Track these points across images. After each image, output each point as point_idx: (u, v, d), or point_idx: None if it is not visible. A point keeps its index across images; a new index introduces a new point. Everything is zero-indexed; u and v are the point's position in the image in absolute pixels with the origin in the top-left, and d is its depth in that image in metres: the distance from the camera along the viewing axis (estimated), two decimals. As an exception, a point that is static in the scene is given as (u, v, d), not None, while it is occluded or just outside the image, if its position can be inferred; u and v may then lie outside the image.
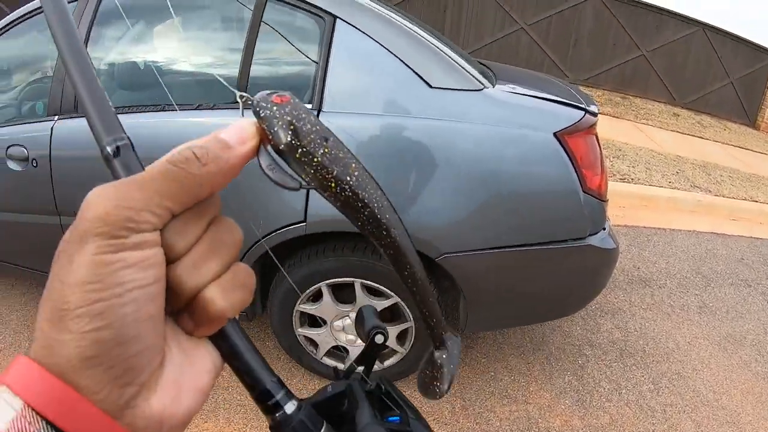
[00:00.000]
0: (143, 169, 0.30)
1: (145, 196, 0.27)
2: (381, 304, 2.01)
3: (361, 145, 1.79)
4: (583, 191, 1.87)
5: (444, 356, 0.48)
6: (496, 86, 1.95)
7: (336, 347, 2.14)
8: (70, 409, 0.24)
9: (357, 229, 0.36)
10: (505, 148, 1.80)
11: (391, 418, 0.41)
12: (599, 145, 2.03)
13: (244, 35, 1.95)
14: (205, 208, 0.30)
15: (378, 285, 1.95)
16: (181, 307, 0.30)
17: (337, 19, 1.87)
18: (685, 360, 2.80)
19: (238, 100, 0.34)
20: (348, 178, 0.33)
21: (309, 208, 1.81)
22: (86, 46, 1.75)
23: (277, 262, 1.94)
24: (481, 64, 2.37)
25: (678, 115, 9.72)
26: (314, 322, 2.16)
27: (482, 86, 1.86)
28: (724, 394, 2.58)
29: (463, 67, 1.88)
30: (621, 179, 5.22)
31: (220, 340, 0.32)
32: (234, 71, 1.95)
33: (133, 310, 0.26)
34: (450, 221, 1.81)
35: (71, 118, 2.09)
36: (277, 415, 0.33)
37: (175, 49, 2.29)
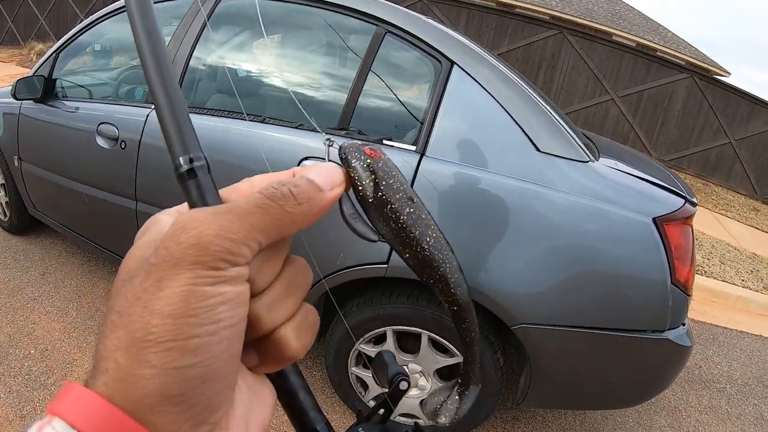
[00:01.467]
0: (218, 194, 0.30)
1: (244, 228, 0.26)
2: (444, 361, 1.96)
3: (458, 197, 1.77)
4: (671, 282, 1.79)
5: (465, 393, 0.49)
6: (600, 160, 1.90)
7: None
8: None
9: (425, 283, 0.36)
10: (602, 226, 1.75)
11: None
12: (693, 237, 1.95)
13: (358, 65, 1.98)
14: (282, 245, 0.30)
15: (446, 341, 1.90)
16: (247, 344, 0.28)
17: (455, 65, 1.87)
18: (735, 474, 2.62)
19: (324, 143, 0.34)
20: (427, 239, 0.34)
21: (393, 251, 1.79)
22: (196, 45, 1.80)
23: (336, 305, 1.93)
24: (584, 135, 2.33)
25: (758, 210, 9.31)
26: (370, 364, 2.13)
27: (588, 159, 1.82)
28: None
29: (571, 136, 1.85)
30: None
31: (280, 379, 0.32)
32: (341, 95, 1.98)
33: (224, 348, 0.24)
34: (532, 291, 1.76)
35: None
36: None
37: (281, 66, 2.35)
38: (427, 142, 1.81)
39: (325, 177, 0.30)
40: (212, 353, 0.24)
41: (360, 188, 0.32)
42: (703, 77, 10.35)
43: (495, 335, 1.91)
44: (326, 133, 0.37)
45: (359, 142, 0.33)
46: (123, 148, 2.22)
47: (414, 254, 0.34)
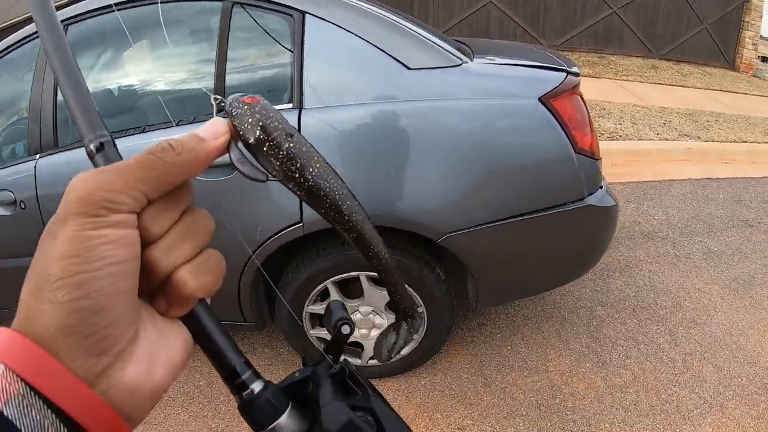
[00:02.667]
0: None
1: (123, 181, 0.29)
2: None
3: (347, 136, 1.77)
4: (576, 152, 1.86)
5: (403, 328, 0.53)
6: (475, 60, 1.93)
7: (351, 344, 2.13)
8: (47, 373, 0.26)
9: (321, 218, 0.39)
10: (492, 119, 1.79)
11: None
12: (585, 104, 2.02)
13: (215, 45, 1.93)
14: (179, 197, 0.32)
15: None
16: (155, 289, 0.32)
17: (306, 14, 1.85)
18: (698, 307, 2.81)
19: (212, 102, 0.37)
20: (310, 169, 0.36)
21: (304, 208, 1.80)
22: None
23: (267, 276, 1.93)
24: (457, 41, 2.35)
25: (657, 68, 9.71)
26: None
27: (460, 61, 1.84)
28: (741, 335, 2.59)
29: (438, 45, 1.86)
30: (609, 137, 5.21)
31: (192, 322, 0.34)
32: (209, 83, 1.93)
33: (109, 283, 0.27)
34: (447, 201, 1.80)
35: (52, 154, 2.06)
36: (244, 394, 0.35)
37: (148, 70, 2.26)
38: (301, 96, 1.79)
39: (208, 128, 0.34)
40: (98, 287, 0.27)
41: (241, 133, 0.34)
42: (572, -43, 10.55)
43: (428, 254, 1.95)
44: (214, 96, 0.39)
45: (239, 94, 0.36)
46: (23, 208, 2.12)
47: (300, 185, 0.36)
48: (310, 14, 1.85)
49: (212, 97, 0.38)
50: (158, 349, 0.31)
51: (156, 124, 1.98)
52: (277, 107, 1.79)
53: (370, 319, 2.06)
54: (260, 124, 0.35)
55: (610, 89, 7.32)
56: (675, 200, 4.27)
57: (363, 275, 1.94)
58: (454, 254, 1.87)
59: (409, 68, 1.78)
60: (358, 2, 1.96)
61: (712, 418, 2.10)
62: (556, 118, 1.82)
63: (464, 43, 2.31)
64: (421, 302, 2.00)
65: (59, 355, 0.27)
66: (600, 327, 2.61)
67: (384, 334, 0.54)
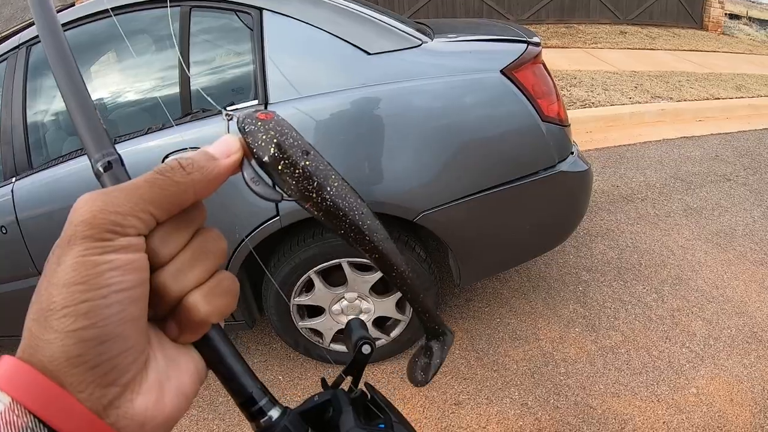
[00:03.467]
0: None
1: (130, 202, 0.28)
2: (372, 278, 2.02)
3: (316, 126, 1.78)
4: (543, 120, 1.88)
5: (435, 347, 0.50)
6: (435, 39, 1.95)
7: (340, 331, 2.16)
8: (55, 404, 0.25)
9: (341, 239, 0.37)
10: (457, 96, 1.81)
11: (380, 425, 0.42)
12: (549, 72, 2.04)
13: (176, 51, 1.93)
14: (191, 218, 0.31)
15: (364, 260, 1.96)
16: (165, 314, 0.30)
17: (263, 11, 1.85)
18: (682, 264, 2.85)
19: (223, 117, 0.36)
20: (328, 188, 0.35)
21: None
22: (26, 102, 1.71)
23: (259, 261, 1.94)
24: (417, 22, 2.36)
25: (625, 33, 9.76)
26: (313, 312, 2.17)
27: (420, 42, 1.86)
28: (727, 287, 2.64)
29: (396, 28, 1.88)
30: (582, 105, 5.25)
31: (204, 347, 0.33)
32: (175, 89, 1.94)
33: (116, 311, 0.26)
34: (420, 180, 1.82)
35: (28, 175, 2.05)
36: (261, 421, 0.34)
37: (116, 81, 2.26)
38: (266, 91, 1.80)
39: (220, 146, 0.32)
40: (104, 315, 0.26)
41: (254, 150, 0.33)
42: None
43: (407, 234, 1.98)
44: (225, 110, 0.38)
45: (253, 110, 0.34)
46: (5, 233, 2.11)
47: (318, 205, 0.35)
48: (267, 10, 1.85)
49: (223, 112, 0.37)
50: (168, 377, 0.30)
51: (125, 134, 1.98)
52: (243, 105, 1.81)
53: (357, 305, 2.08)
54: (275, 141, 0.33)
55: (580, 58, 7.36)
56: (652, 161, 4.32)
57: (344, 262, 1.95)
58: (432, 232, 1.89)
59: (369, 53, 1.79)
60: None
61: (705, 371, 2.15)
62: (519, 89, 1.84)
63: (425, 24, 2.32)
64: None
65: (66, 386, 0.25)
66: (586, 291, 2.66)
67: (416, 357, 0.52)
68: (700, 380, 2.11)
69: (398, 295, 2.08)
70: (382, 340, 2.19)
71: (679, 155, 4.44)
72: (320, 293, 2.05)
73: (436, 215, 1.84)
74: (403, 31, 1.88)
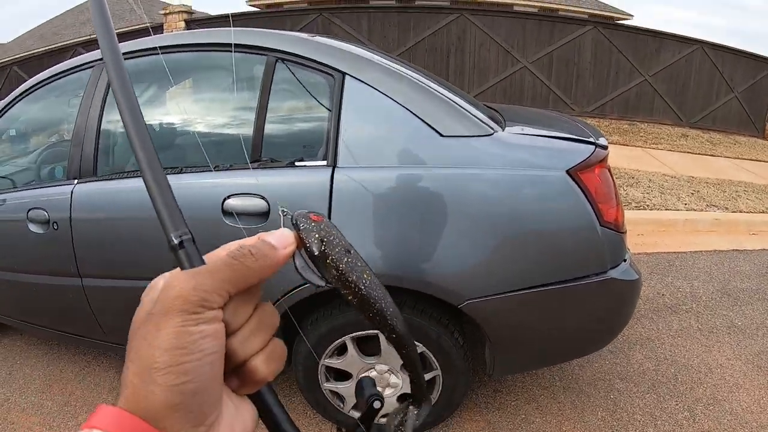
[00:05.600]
0: (202, 260, 0.38)
1: (214, 282, 0.35)
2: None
3: (377, 198, 1.82)
4: (601, 225, 1.87)
5: (415, 413, 0.59)
6: (506, 129, 1.98)
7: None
8: None
9: (368, 320, 0.45)
10: (520, 190, 1.82)
11: None
12: (612, 177, 2.04)
13: (257, 96, 2.01)
14: (253, 293, 0.38)
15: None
16: (228, 371, 0.37)
17: (346, 76, 1.93)
18: (719, 383, 2.73)
19: (279, 213, 0.43)
20: (363, 281, 0.42)
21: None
22: (103, 111, 1.80)
23: (296, 324, 1.95)
24: (488, 107, 2.41)
25: (687, 136, 9.72)
26: (340, 375, 2.15)
27: (492, 131, 1.89)
28: (762, 413, 2.50)
29: (471, 113, 1.92)
30: (636, 207, 5.20)
31: (258, 399, 0.40)
32: (248, 131, 2.01)
33: (208, 370, 0.34)
34: (470, 267, 1.82)
35: (90, 182, 2.15)
36: None
37: (188, 111, 2.36)
38: (335, 154, 1.86)
39: (279, 238, 0.40)
40: (200, 373, 0.33)
41: (307, 245, 0.40)
42: (606, 25, 10.78)
43: (449, 318, 1.96)
44: (281, 207, 0.47)
45: (306, 211, 0.43)
46: (56, 229, 2.20)
47: (354, 294, 0.42)
48: (350, 75, 1.93)
49: (280, 209, 0.44)
50: (236, 419, 0.37)
51: (193, 166, 2.05)
52: (312, 163, 1.87)
53: (385, 377, 2.06)
54: (324, 240, 0.41)
55: (639, 157, 7.34)
56: (701, 272, 4.20)
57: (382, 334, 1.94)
58: (473, 320, 1.87)
59: (441, 135, 1.83)
60: (397, 66, 2.04)
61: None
62: (582, 191, 1.84)
63: (496, 110, 2.37)
64: (438, 365, 2.00)
65: (165, 428, 0.32)
66: (617, 401, 2.56)
67: (392, 416, 0.59)
68: None
69: (428, 375, 2.05)
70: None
71: (729, 268, 4.32)
72: (352, 359, 2.03)
73: (482, 304, 1.82)
74: (477, 117, 1.92)
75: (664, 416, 2.46)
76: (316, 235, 0.41)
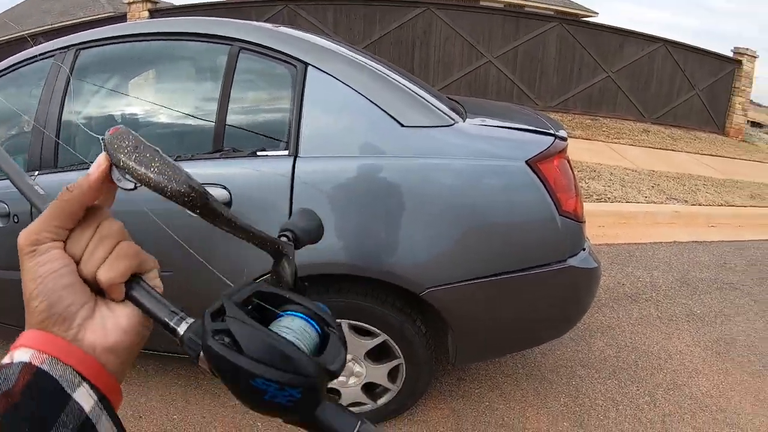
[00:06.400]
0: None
1: (41, 224, 0.43)
2: (370, 343, 2.01)
3: (338, 187, 1.82)
4: (560, 215, 1.90)
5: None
6: (467, 120, 2.00)
7: (328, 390, 2.12)
8: (53, 343, 0.41)
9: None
10: (480, 179, 1.85)
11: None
12: (572, 168, 2.08)
13: (219, 85, 1.99)
14: (91, 219, 0.45)
15: (364, 324, 1.96)
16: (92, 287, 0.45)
17: (309, 66, 1.92)
18: (679, 369, 2.82)
19: (100, 141, 0.45)
20: (152, 171, 0.42)
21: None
22: (64, 102, 1.75)
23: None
24: (451, 100, 2.43)
25: (648, 131, 9.96)
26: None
27: (453, 121, 1.91)
28: (721, 396, 2.59)
29: (432, 104, 1.94)
30: (598, 199, 5.31)
31: (131, 298, 0.46)
32: (211, 122, 1.99)
33: (52, 287, 0.42)
34: (431, 256, 1.84)
35: (51, 173, 2.10)
36: (176, 337, 0.44)
37: (151, 101, 2.33)
38: (297, 144, 1.85)
39: (93, 165, 0.44)
40: (48, 289, 0.41)
41: (112, 160, 0.43)
42: (571, 22, 10.95)
43: (411, 307, 1.98)
44: (101, 137, 0.47)
45: (111, 129, 0.45)
46: (16, 222, 2.14)
47: (148, 184, 0.42)
48: (313, 66, 1.92)
49: (100, 137, 0.46)
50: (107, 319, 0.44)
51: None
52: (274, 153, 1.86)
53: (349, 367, 2.06)
54: (115, 146, 0.43)
55: (601, 151, 7.49)
56: (660, 263, 4.32)
57: (345, 323, 1.95)
58: (434, 308, 1.89)
59: (402, 125, 1.84)
60: (359, 58, 2.04)
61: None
62: (541, 181, 1.88)
63: (458, 102, 2.39)
64: (401, 353, 2.02)
65: (51, 331, 0.42)
66: (579, 387, 2.62)
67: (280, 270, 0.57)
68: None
69: (392, 364, 2.07)
70: (369, 406, 2.16)
71: (688, 259, 4.45)
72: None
73: (442, 293, 1.84)
74: (438, 108, 1.94)
75: (625, 401, 2.53)
76: (114, 146, 0.43)
